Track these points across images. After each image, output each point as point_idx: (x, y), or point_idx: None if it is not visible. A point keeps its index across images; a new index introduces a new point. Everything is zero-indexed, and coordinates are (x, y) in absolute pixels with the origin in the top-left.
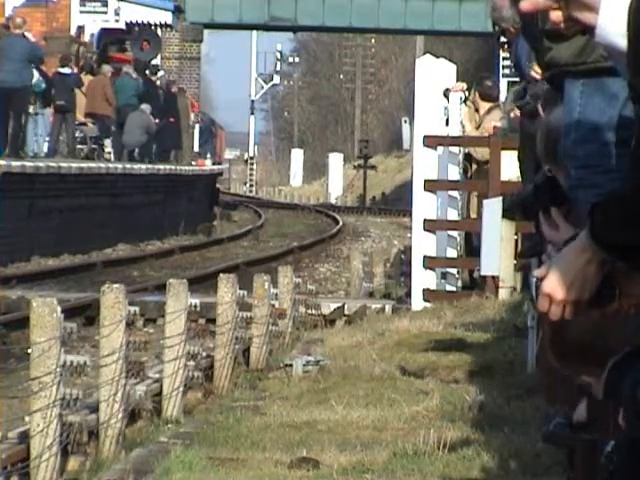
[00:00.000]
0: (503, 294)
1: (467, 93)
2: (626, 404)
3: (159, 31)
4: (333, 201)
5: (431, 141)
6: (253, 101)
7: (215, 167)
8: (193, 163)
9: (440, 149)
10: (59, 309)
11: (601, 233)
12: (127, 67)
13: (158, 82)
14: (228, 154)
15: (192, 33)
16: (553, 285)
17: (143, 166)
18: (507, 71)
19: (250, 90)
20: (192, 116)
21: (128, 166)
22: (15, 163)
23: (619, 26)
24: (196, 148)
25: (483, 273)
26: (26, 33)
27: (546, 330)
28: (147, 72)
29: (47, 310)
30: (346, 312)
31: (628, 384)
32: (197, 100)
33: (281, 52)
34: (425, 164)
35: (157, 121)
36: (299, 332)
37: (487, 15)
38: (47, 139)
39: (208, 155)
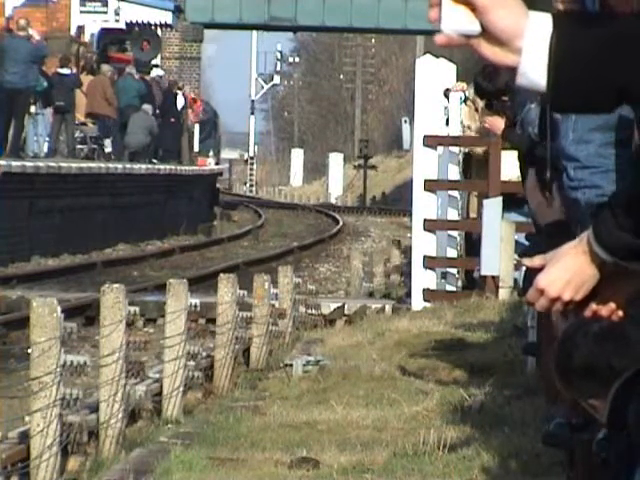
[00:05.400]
0: (503, 294)
1: (467, 93)
2: (633, 430)
3: (159, 31)
4: (333, 201)
5: (431, 141)
6: (253, 101)
7: (215, 167)
8: (194, 163)
9: (440, 149)
10: (59, 309)
11: (606, 235)
12: (130, 67)
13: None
14: (229, 153)
15: (192, 33)
16: (549, 281)
17: (143, 166)
18: None
19: (250, 90)
20: (192, 116)
21: (128, 166)
22: (15, 163)
23: (542, 67)
24: (196, 148)
25: (483, 273)
26: (31, 31)
27: (552, 356)
28: (148, 73)
29: (47, 310)
30: (346, 312)
31: (633, 410)
32: (200, 98)
33: (281, 52)
34: (425, 164)
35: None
36: (299, 332)
37: None
38: (47, 139)
39: (210, 153)
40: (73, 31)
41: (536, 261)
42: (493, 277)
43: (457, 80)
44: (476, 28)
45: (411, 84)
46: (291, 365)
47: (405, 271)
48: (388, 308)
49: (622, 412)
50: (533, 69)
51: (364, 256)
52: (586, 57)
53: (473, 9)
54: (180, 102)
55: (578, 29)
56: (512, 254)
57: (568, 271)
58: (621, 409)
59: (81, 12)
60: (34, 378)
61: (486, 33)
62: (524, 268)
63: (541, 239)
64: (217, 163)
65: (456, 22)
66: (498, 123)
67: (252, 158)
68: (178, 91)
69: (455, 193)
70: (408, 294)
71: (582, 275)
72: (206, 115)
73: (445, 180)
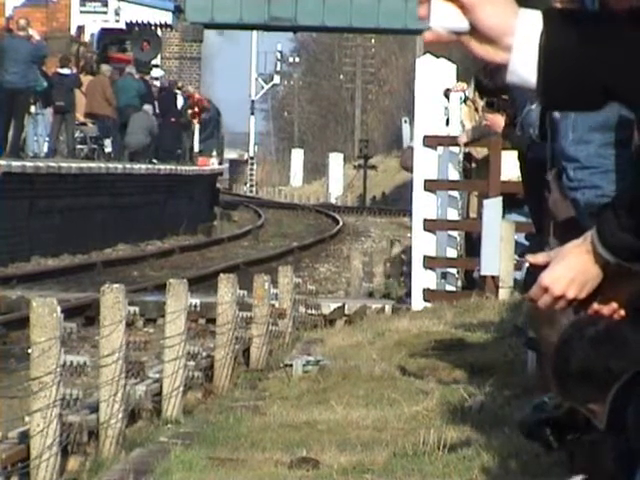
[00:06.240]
0: (503, 294)
1: (467, 92)
2: (632, 433)
3: (159, 31)
4: (333, 201)
5: (431, 141)
6: (253, 101)
7: (216, 167)
8: (194, 163)
9: (440, 149)
10: (59, 309)
11: (609, 237)
12: (130, 67)
13: (158, 82)
14: (228, 154)
15: (192, 33)
16: (553, 279)
17: (143, 166)
18: None
19: (250, 90)
20: (197, 116)
21: (128, 166)
22: (15, 163)
23: (532, 64)
24: (196, 148)
25: (483, 273)
26: (31, 31)
27: (548, 362)
28: (148, 73)
29: (47, 310)
30: (346, 312)
31: (632, 412)
32: (205, 97)
33: (281, 52)
34: (425, 164)
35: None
36: (299, 332)
37: None
38: (47, 139)
39: (214, 153)
40: (73, 31)
41: (539, 258)
42: (493, 277)
43: (457, 80)
44: (464, 25)
45: (411, 84)
46: (291, 365)
47: (405, 271)
48: (388, 308)
49: (621, 414)
50: (523, 66)
51: (364, 256)
52: (575, 54)
53: (462, 6)
54: (180, 102)
55: (568, 27)
56: (512, 254)
57: (572, 269)
58: (620, 411)
59: (81, 12)
60: (34, 378)
61: (475, 31)
62: (526, 265)
63: (541, 239)
64: (220, 163)
65: (445, 19)
66: (498, 121)
67: (252, 158)
68: (178, 91)
69: (455, 193)
70: (408, 294)
71: (586, 274)
72: (208, 114)
73: (445, 180)
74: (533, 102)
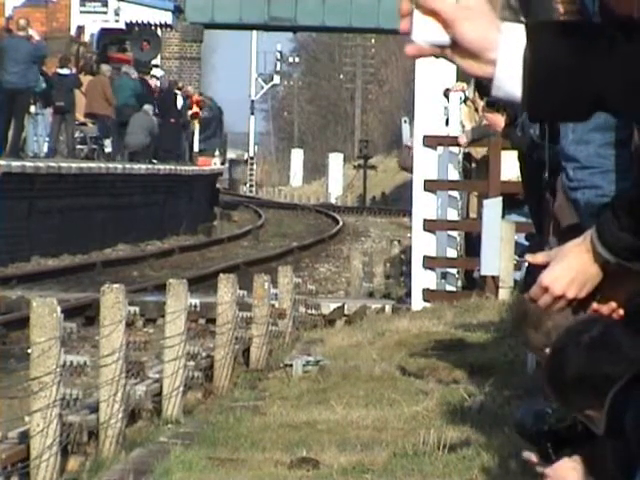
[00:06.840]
0: (503, 294)
1: (467, 93)
2: (632, 436)
3: (159, 31)
4: (333, 201)
5: (431, 141)
6: (253, 101)
7: (215, 167)
8: (194, 163)
9: (440, 149)
10: (59, 309)
11: (609, 236)
12: (126, 67)
13: (158, 82)
14: (228, 153)
15: (192, 33)
16: (553, 279)
17: (143, 166)
18: None
19: (250, 90)
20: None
21: (128, 166)
22: (15, 163)
23: (517, 78)
24: (196, 147)
25: (483, 273)
26: (30, 31)
27: (543, 370)
28: (148, 73)
29: (47, 310)
30: (346, 312)
31: (630, 417)
32: (206, 96)
33: (281, 52)
34: (425, 164)
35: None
36: (299, 332)
37: None
38: (47, 139)
39: (216, 152)
40: (73, 31)
41: (539, 258)
42: (493, 277)
43: (457, 80)
44: (446, 39)
45: (411, 84)
46: (291, 365)
47: (405, 271)
48: (388, 308)
49: (619, 419)
50: (508, 80)
51: (364, 256)
52: (561, 67)
53: (442, 21)
54: (180, 102)
55: (552, 39)
56: (512, 254)
57: (572, 269)
58: (618, 416)
59: (81, 12)
60: (34, 378)
61: (457, 45)
62: (526, 265)
63: (541, 239)
64: (223, 163)
65: (426, 33)
66: (498, 120)
67: (252, 158)
68: (178, 91)
69: (455, 193)
70: (408, 294)
71: (585, 273)
72: (211, 113)
73: (445, 180)
74: None
